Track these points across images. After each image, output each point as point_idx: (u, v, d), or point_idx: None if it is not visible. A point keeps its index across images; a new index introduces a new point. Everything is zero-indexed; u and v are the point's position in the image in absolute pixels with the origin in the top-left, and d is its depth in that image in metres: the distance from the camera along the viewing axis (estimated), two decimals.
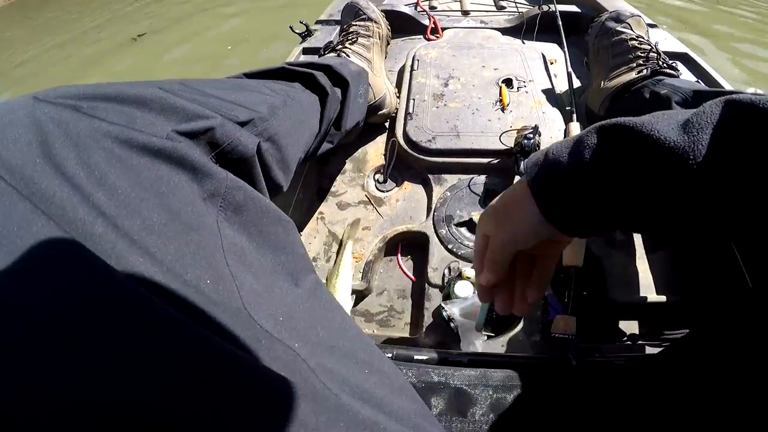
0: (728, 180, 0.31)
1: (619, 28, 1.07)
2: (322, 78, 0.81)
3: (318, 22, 1.52)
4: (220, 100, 0.51)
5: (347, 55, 1.07)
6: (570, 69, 1.06)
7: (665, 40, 1.32)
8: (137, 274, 0.29)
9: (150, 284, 0.29)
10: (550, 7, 1.35)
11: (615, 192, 0.36)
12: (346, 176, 1.04)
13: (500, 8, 1.63)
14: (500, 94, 1.06)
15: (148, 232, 0.32)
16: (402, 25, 1.47)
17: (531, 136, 0.86)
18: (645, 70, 0.92)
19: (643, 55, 0.97)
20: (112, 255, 0.29)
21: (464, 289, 0.73)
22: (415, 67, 1.20)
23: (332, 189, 1.01)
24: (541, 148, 0.87)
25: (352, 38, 1.14)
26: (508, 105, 1.04)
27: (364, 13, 1.22)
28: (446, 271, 0.81)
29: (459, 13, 1.62)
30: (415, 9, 1.53)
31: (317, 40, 1.39)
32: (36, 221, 0.27)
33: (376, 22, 1.21)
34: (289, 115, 0.66)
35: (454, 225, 0.87)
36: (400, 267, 0.87)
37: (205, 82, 0.55)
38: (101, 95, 0.39)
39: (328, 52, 1.13)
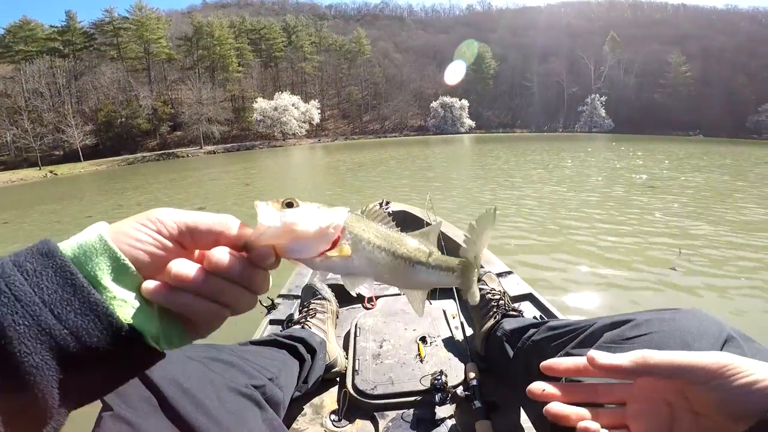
0: None
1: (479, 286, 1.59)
2: (301, 349, 1.27)
3: (280, 296, 2.01)
4: (257, 364, 1.02)
5: (309, 327, 1.53)
6: (463, 320, 1.60)
7: (517, 285, 1.98)
8: None
9: None
10: None
11: None
12: (307, 417, 1.35)
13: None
14: (418, 350, 1.53)
15: None
16: (345, 296, 1.98)
17: (439, 377, 1.30)
18: (497, 316, 1.42)
19: (495, 303, 1.49)
20: None
21: None
22: (358, 334, 1.67)
23: (294, 426, 1.31)
24: (449, 384, 1.30)
25: (312, 313, 1.63)
26: (425, 357, 1.50)
27: (320, 294, 1.77)
28: None
29: None
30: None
31: (280, 313, 1.84)
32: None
33: (329, 300, 1.75)
34: (286, 374, 1.15)
35: None
36: None
37: (245, 349, 1.11)
38: (215, 358, 0.88)
39: (293, 324, 1.60)
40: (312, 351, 1.35)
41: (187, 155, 44.59)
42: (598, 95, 62.98)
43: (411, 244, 0.57)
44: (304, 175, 18.36)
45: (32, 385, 0.35)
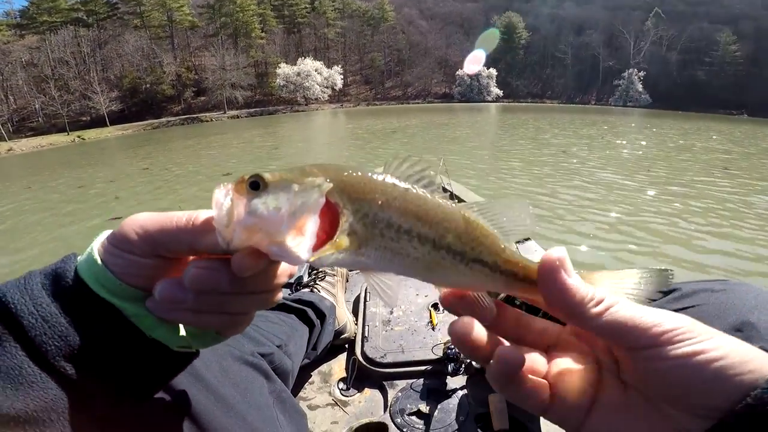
0: None
1: None
2: (311, 314, 1.20)
3: None
4: (264, 330, 0.95)
5: (318, 290, 1.46)
6: None
7: (535, 252, 1.95)
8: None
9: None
10: None
11: None
12: (314, 386, 1.30)
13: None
14: (430, 317, 1.46)
15: (235, 409, 0.63)
16: None
17: (451, 346, 1.21)
18: None
19: None
20: (213, 419, 0.57)
21: None
22: (368, 299, 1.60)
23: (302, 395, 1.26)
24: (462, 355, 1.22)
25: (321, 276, 1.56)
26: (437, 324, 1.42)
27: None
28: None
29: None
30: None
31: None
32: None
33: None
34: (295, 341, 1.08)
35: (407, 415, 1.13)
36: None
37: None
38: None
39: (302, 288, 1.53)
40: (321, 316, 1.28)
41: (211, 120, 45.03)
42: (636, 70, 60.11)
43: (468, 226, 0.37)
44: (327, 138, 18.20)
45: (84, 386, 0.39)
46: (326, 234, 0.35)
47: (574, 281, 0.34)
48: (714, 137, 16.24)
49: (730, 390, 0.29)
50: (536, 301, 0.38)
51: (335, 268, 1.62)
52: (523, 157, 10.94)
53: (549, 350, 0.39)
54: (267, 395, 0.77)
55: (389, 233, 0.35)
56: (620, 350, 0.34)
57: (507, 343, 0.37)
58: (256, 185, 0.33)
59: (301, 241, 0.33)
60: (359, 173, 0.36)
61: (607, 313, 0.33)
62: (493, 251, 0.37)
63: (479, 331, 0.35)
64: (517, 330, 0.40)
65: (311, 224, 0.34)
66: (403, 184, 0.36)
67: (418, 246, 0.35)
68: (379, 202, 0.35)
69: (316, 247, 0.34)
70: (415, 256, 0.36)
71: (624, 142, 14.09)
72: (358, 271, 1.92)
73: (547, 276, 0.34)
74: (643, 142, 13.67)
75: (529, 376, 0.35)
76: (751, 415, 0.27)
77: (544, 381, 0.36)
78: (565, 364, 0.37)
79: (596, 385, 0.36)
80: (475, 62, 63.78)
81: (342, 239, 0.34)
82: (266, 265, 0.36)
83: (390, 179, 0.36)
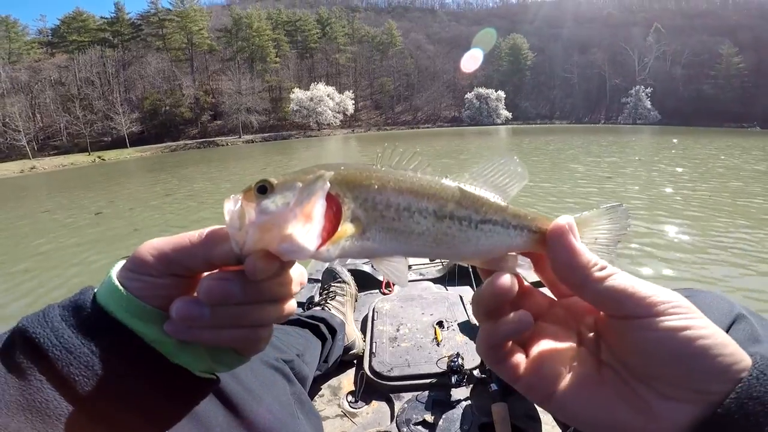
0: None
1: None
2: (323, 329, 1.29)
3: None
4: (285, 341, 1.05)
5: (329, 309, 1.55)
6: None
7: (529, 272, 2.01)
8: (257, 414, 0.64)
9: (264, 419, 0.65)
10: None
11: None
12: (324, 398, 1.38)
13: (432, 260, 2.29)
14: (435, 334, 1.52)
15: (264, 402, 0.69)
16: (363, 282, 2.04)
17: (455, 359, 1.29)
18: None
19: None
20: (244, 403, 0.61)
21: None
22: (375, 318, 1.68)
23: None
24: (465, 366, 1.29)
25: (332, 296, 1.66)
26: (441, 341, 1.49)
27: (340, 276, 1.79)
28: None
29: None
30: (372, 267, 2.14)
31: (300, 295, 1.90)
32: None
33: (348, 283, 1.77)
34: (310, 352, 1.19)
35: (413, 424, 1.19)
36: None
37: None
38: None
39: (314, 306, 1.63)
40: (333, 331, 1.37)
41: (227, 144, 45.99)
42: (642, 87, 60.19)
43: (465, 191, 0.38)
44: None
45: (110, 415, 0.39)
46: (331, 231, 0.36)
47: (582, 246, 0.36)
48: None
49: (712, 371, 0.30)
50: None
51: (345, 289, 1.71)
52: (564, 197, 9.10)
53: (535, 319, 0.40)
54: (288, 395, 0.85)
55: (389, 213, 0.36)
56: (610, 321, 0.35)
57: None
58: (263, 189, 0.35)
59: (309, 230, 0.34)
60: (355, 166, 0.37)
61: (609, 279, 0.34)
62: (499, 208, 0.38)
63: (514, 289, 0.37)
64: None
65: (319, 208, 0.35)
66: (396, 170, 0.38)
67: (420, 220, 0.36)
68: (376, 186, 0.36)
69: (323, 244, 0.35)
70: (420, 230, 0.36)
71: (662, 165, 12.81)
72: (366, 292, 2.02)
73: (557, 238, 0.36)
74: (679, 169, 12.12)
75: (511, 344, 0.38)
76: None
77: (522, 352, 0.39)
78: (548, 331, 0.39)
79: (571, 360, 0.37)
80: (472, 61, 64.42)
81: (346, 226, 0.35)
82: (278, 268, 0.37)
83: (383, 168, 0.38)
